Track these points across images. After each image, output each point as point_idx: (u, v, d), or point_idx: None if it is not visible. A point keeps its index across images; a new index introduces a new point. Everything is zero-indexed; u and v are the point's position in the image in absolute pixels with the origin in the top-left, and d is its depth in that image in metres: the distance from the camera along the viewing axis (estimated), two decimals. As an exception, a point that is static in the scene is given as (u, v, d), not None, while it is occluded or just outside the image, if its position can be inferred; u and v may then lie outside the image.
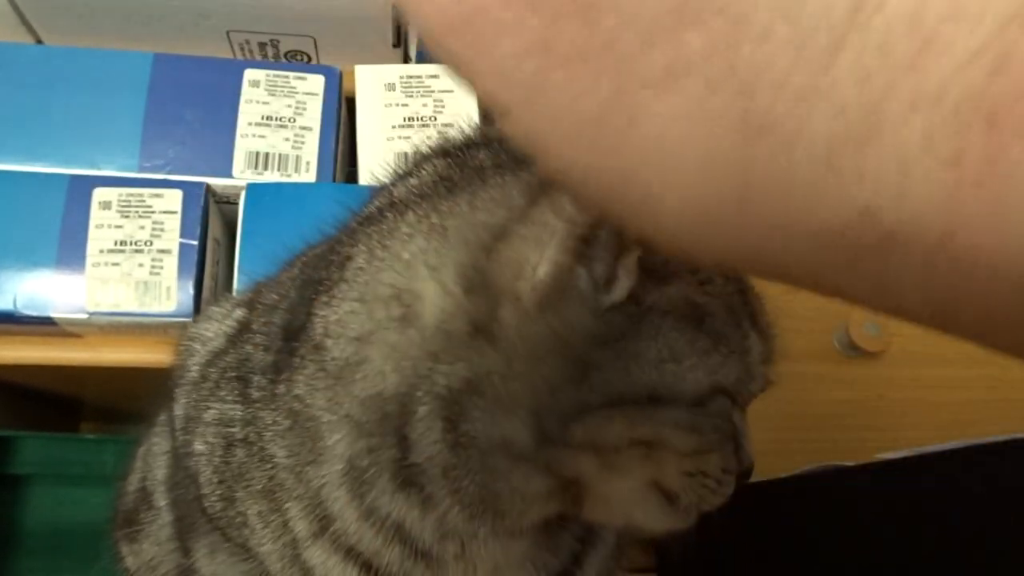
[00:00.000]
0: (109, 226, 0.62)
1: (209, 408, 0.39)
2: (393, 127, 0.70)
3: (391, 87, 0.71)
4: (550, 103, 0.16)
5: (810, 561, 0.59)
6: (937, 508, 0.48)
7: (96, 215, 0.62)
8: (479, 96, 0.17)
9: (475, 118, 0.63)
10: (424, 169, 0.35)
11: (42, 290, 0.60)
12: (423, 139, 0.38)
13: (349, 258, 0.34)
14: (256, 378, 0.37)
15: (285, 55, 0.75)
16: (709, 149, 0.15)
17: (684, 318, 0.29)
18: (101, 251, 0.61)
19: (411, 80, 0.71)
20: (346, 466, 0.33)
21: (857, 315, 0.86)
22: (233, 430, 0.37)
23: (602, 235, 0.27)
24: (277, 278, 0.44)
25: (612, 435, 0.29)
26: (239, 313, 0.44)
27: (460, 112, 0.68)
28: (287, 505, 0.36)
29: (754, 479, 0.65)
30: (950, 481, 0.48)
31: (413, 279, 0.31)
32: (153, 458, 0.49)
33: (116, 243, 0.61)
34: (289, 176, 0.67)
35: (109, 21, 0.70)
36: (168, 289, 0.61)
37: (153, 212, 0.62)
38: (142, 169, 0.65)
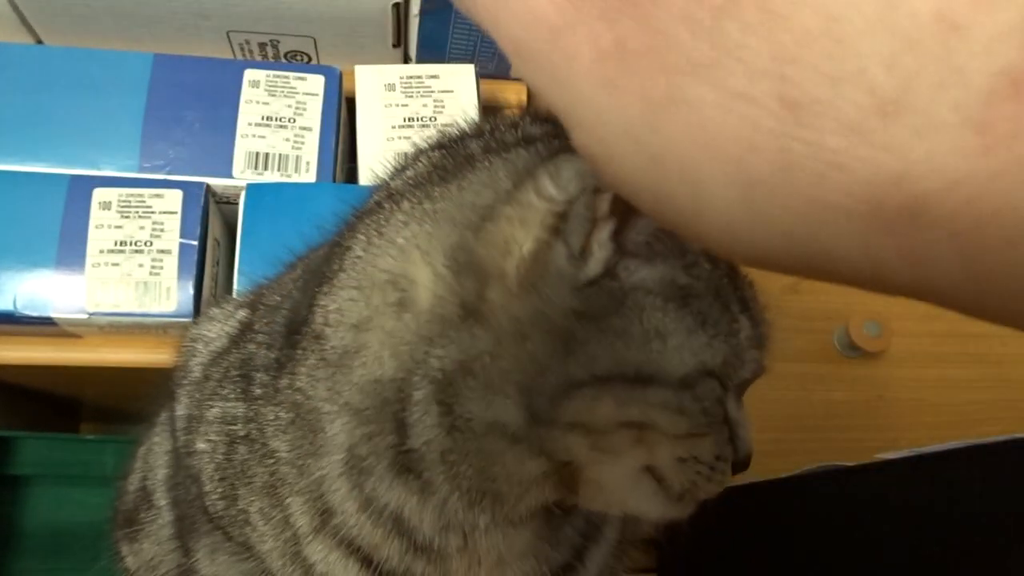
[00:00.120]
0: (109, 226, 0.62)
1: (212, 407, 0.39)
2: (393, 127, 0.70)
3: (391, 87, 0.71)
4: (614, 106, 0.18)
5: (810, 561, 0.59)
6: (937, 508, 0.48)
7: (96, 215, 0.62)
8: (553, 110, 0.19)
9: (474, 117, 0.63)
10: (420, 161, 0.36)
11: (42, 290, 0.60)
12: (423, 139, 0.38)
13: (348, 248, 0.34)
14: (259, 375, 0.37)
15: (285, 55, 0.75)
16: (751, 132, 0.16)
17: (668, 298, 0.29)
18: (101, 251, 0.61)
19: (411, 80, 0.72)
20: (346, 456, 0.34)
21: (857, 315, 0.86)
22: (235, 428, 0.38)
23: (577, 210, 0.27)
24: (279, 280, 0.45)
25: (600, 415, 0.30)
26: (242, 314, 0.44)
27: (460, 112, 0.68)
28: (288, 500, 0.36)
29: (754, 479, 0.65)
30: (950, 481, 0.48)
31: (407, 264, 0.32)
32: (154, 457, 0.49)
33: (116, 243, 0.61)
34: (289, 176, 0.67)
35: (109, 21, 0.70)
36: (168, 289, 0.61)
37: (153, 212, 0.63)
38: (142, 169, 0.65)
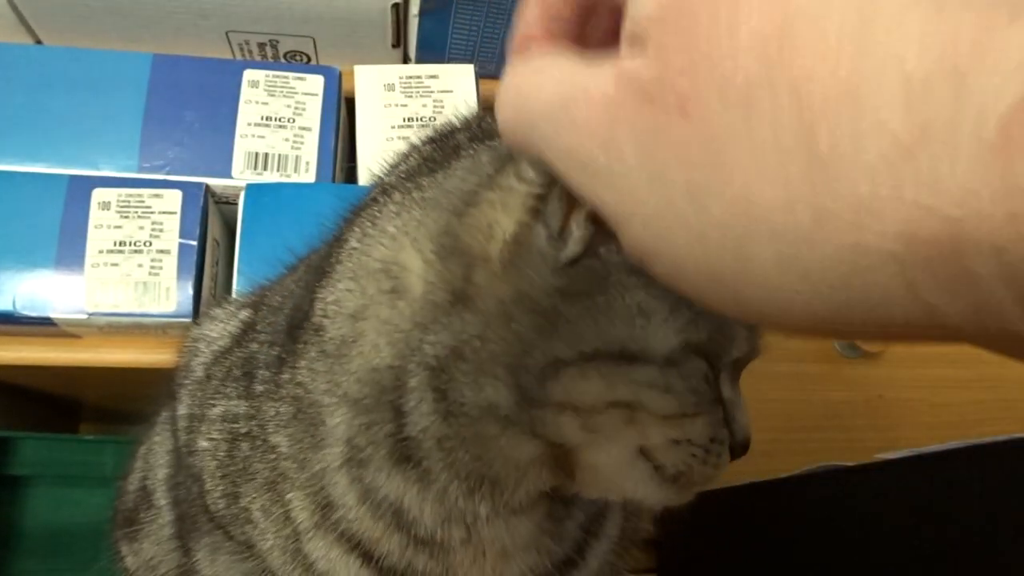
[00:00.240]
0: (108, 226, 0.62)
1: (214, 405, 0.40)
2: (392, 127, 0.70)
3: (390, 87, 0.71)
4: (660, 194, 0.20)
5: (810, 561, 0.59)
6: (937, 508, 0.48)
7: (95, 215, 0.62)
8: (601, 212, 0.21)
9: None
10: (412, 156, 0.37)
11: (41, 290, 0.60)
12: (418, 136, 0.39)
13: (345, 241, 0.35)
14: (261, 372, 0.38)
15: (284, 55, 0.75)
16: (786, 193, 0.18)
17: (648, 274, 0.29)
18: (100, 251, 0.61)
19: (410, 80, 0.72)
20: (345, 447, 0.34)
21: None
22: (237, 425, 0.38)
23: (555, 191, 0.28)
24: (282, 281, 0.45)
25: (588, 394, 0.30)
26: (244, 314, 0.45)
27: (459, 112, 0.68)
28: (289, 496, 0.36)
29: (754, 479, 0.65)
30: (950, 481, 0.48)
31: (398, 251, 0.32)
32: (154, 457, 0.49)
33: (115, 243, 0.61)
34: (288, 176, 0.67)
35: (108, 21, 0.70)
36: (167, 289, 0.61)
37: (152, 212, 0.62)
38: (141, 169, 0.65)
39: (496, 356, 0.30)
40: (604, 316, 0.29)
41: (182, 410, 0.43)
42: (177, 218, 0.63)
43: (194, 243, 0.62)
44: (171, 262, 0.62)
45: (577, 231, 0.28)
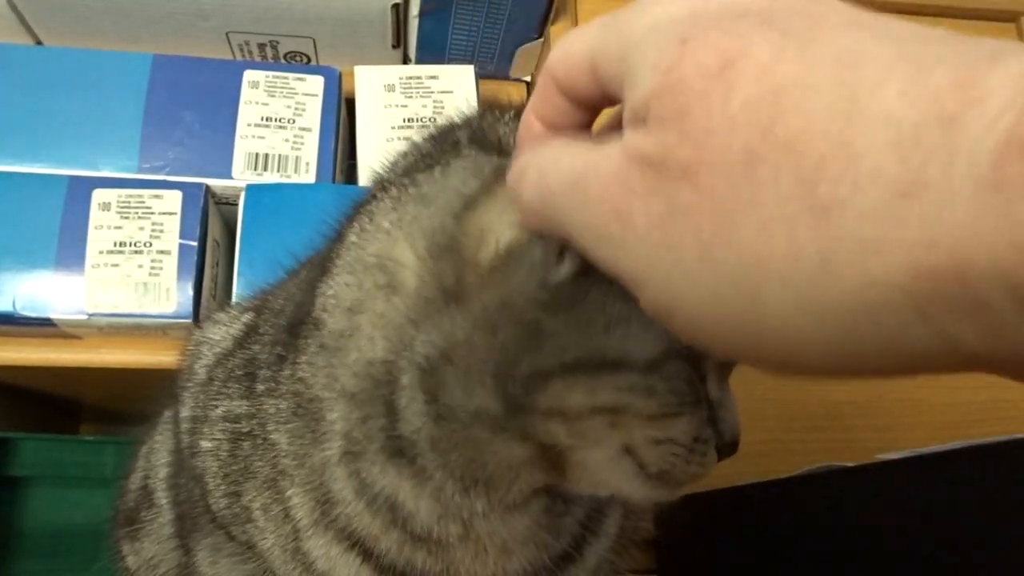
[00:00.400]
0: (108, 227, 0.62)
1: (216, 406, 0.40)
2: (393, 128, 0.70)
3: (391, 88, 0.71)
4: (671, 258, 0.21)
5: (810, 561, 0.59)
6: (937, 508, 0.48)
7: (95, 216, 0.62)
8: (618, 276, 0.23)
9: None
10: (411, 153, 0.37)
11: (41, 291, 0.60)
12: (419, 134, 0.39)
13: (344, 236, 0.35)
14: (262, 372, 0.38)
15: (284, 56, 0.75)
16: (791, 244, 0.19)
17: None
18: (100, 252, 0.61)
19: (411, 81, 0.72)
20: (343, 441, 0.34)
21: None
22: (239, 425, 0.38)
23: None
24: (284, 284, 0.45)
25: (573, 402, 0.30)
26: (247, 317, 0.45)
27: (460, 110, 0.68)
28: (289, 492, 0.36)
29: (754, 480, 0.65)
30: (950, 481, 0.48)
31: (393, 246, 0.33)
32: (156, 456, 0.49)
33: (115, 244, 0.61)
34: (289, 177, 0.67)
35: (108, 22, 0.70)
36: (167, 290, 0.61)
37: (152, 213, 0.63)
38: (141, 170, 0.65)
39: (483, 365, 0.30)
40: (585, 327, 0.29)
41: (185, 412, 0.43)
42: (177, 219, 0.63)
43: (194, 244, 0.62)
44: (171, 263, 0.62)
45: (571, 262, 0.29)
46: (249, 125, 0.67)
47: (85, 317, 0.60)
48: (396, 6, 0.70)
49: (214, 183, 0.65)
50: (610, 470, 0.33)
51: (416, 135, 0.39)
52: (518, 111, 0.36)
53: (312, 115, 0.69)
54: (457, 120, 0.38)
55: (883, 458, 0.53)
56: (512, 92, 0.80)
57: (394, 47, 0.75)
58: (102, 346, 0.64)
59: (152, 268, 0.61)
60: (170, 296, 0.61)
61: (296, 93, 0.69)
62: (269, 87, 0.69)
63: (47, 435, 0.76)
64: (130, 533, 0.51)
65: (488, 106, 0.38)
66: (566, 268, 0.29)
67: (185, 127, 0.67)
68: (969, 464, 0.47)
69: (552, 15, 0.76)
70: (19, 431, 0.74)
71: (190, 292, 0.61)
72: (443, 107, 0.70)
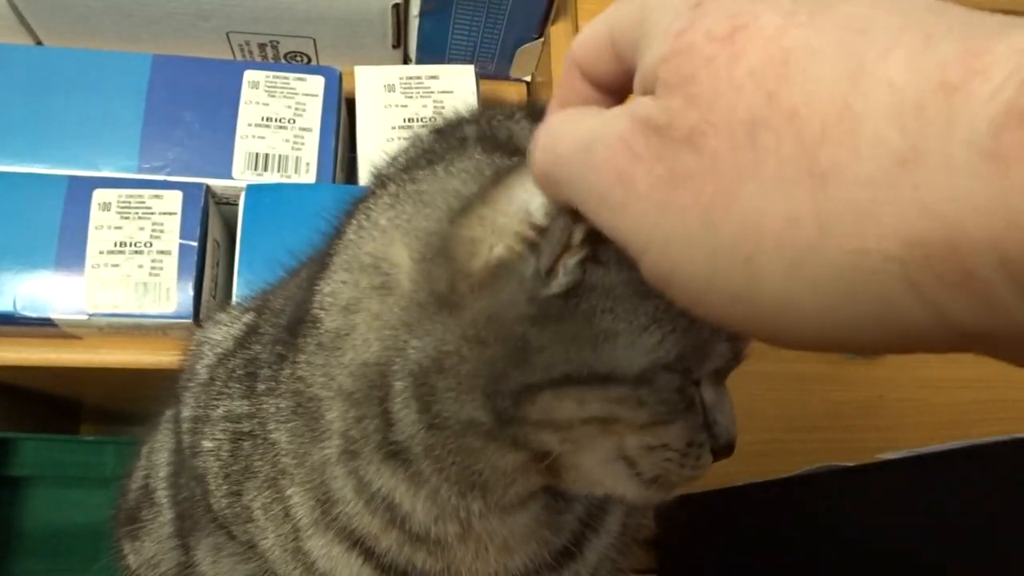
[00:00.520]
0: (109, 227, 0.62)
1: (217, 406, 0.40)
2: (393, 128, 0.70)
3: (391, 88, 0.71)
4: (671, 221, 0.21)
5: (811, 561, 0.59)
6: (937, 508, 0.48)
7: (96, 216, 0.62)
8: (619, 240, 0.23)
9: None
10: (413, 147, 0.37)
11: (41, 291, 0.60)
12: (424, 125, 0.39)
13: (343, 233, 0.35)
14: (263, 371, 0.38)
15: (285, 56, 0.75)
16: (789, 207, 0.19)
17: (619, 299, 0.29)
18: (101, 252, 0.61)
19: (411, 81, 0.72)
20: (341, 440, 0.34)
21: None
22: (240, 425, 0.38)
23: (553, 229, 0.28)
24: (284, 284, 0.45)
25: (563, 414, 0.30)
26: (248, 318, 0.45)
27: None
28: (289, 492, 0.36)
29: (755, 480, 0.65)
30: (950, 481, 0.48)
31: (389, 246, 0.32)
32: (157, 456, 0.49)
33: (116, 244, 0.61)
34: (289, 177, 0.67)
35: (108, 22, 0.70)
36: (168, 290, 0.61)
37: (153, 213, 0.63)
38: (142, 170, 0.65)
39: (472, 378, 0.30)
40: (573, 342, 0.29)
41: (186, 412, 0.43)
42: (177, 219, 0.63)
43: (194, 244, 0.62)
44: (171, 263, 0.62)
45: (563, 277, 0.28)
46: (249, 125, 0.67)
47: (85, 317, 0.60)
48: (396, 6, 0.70)
49: (214, 183, 0.65)
50: (604, 473, 0.33)
51: (420, 128, 0.39)
52: (530, 109, 0.35)
53: (312, 115, 0.69)
54: (466, 115, 0.37)
55: (883, 458, 0.53)
56: (512, 92, 0.80)
57: (394, 47, 0.75)
58: (102, 346, 0.64)
59: (152, 268, 0.61)
60: (170, 296, 0.61)
61: (296, 93, 0.69)
62: (269, 87, 0.69)
63: (47, 435, 0.76)
64: (131, 532, 0.51)
65: (498, 103, 0.37)
66: (555, 286, 0.28)
67: (185, 127, 0.67)
68: (969, 464, 0.47)
69: (552, 15, 0.76)
70: (19, 431, 0.74)
71: (190, 292, 0.61)
72: (443, 107, 0.70)
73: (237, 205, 0.65)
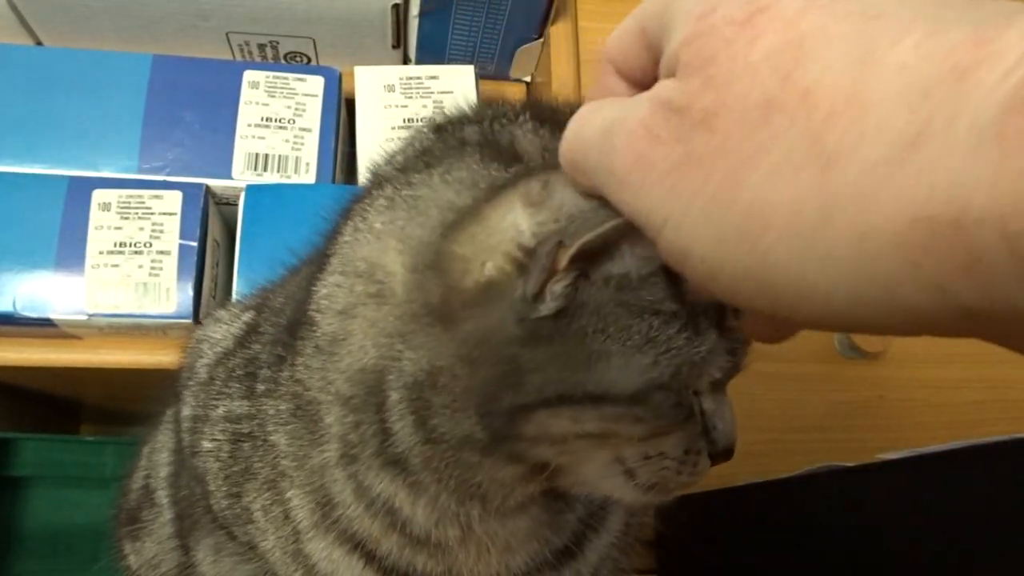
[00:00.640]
0: (108, 227, 0.62)
1: (217, 406, 0.40)
2: (393, 128, 0.70)
3: (391, 88, 0.71)
4: (685, 202, 0.21)
5: (811, 562, 0.59)
6: (937, 508, 0.48)
7: (95, 216, 0.62)
8: (638, 221, 0.23)
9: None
10: (411, 146, 0.36)
11: (41, 291, 0.60)
12: (423, 121, 0.38)
13: (339, 234, 0.35)
14: (263, 372, 0.38)
15: (285, 56, 0.75)
16: (796, 190, 0.19)
17: (611, 321, 0.29)
18: (100, 252, 0.61)
19: (411, 81, 0.72)
20: (340, 444, 0.34)
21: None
22: (239, 426, 0.38)
23: (539, 253, 0.27)
24: (284, 283, 0.45)
25: (559, 430, 0.30)
26: (248, 316, 0.45)
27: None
28: (288, 494, 0.36)
29: (755, 480, 0.65)
30: (950, 481, 0.48)
31: (383, 254, 0.32)
32: (158, 456, 0.49)
33: (115, 244, 0.61)
34: (289, 177, 0.67)
35: (108, 23, 0.70)
36: (167, 290, 0.61)
37: (152, 213, 0.63)
38: (141, 170, 0.65)
39: (465, 397, 0.30)
40: (565, 363, 0.29)
41: (186, 411, 0.43)
42: (177, 219, 0.63)
43: (194, 244, 0.62)
44: (171, 263, 0.62)
45: (551, 301, 0.28)
46: (249, 125, 0.67)
47: (85, 317, 0.60)
48: (396, 6, 0.70)
49: (214, 183, 0.65)
50: (602, 480, 0.33)
51: (421, 124, 0.38)
52: (536, 110, 0.35)
53: (312, 115, 0.69)
54: (469, 113, 0.36)
55: (883, 458, 0.53)
56: (512, 92, 0.80)
57: (394, 47, 0.75)
58: (102, 346, 0.64)
59: (152, 268, 0.61)
60: (170, 296, 0.61)
61: (296, 93, 0.69)
62: (269, 87, 0.69)
63: (47, 435, 0.76)
64: (132, 532, 0.51)
65: (503, 102, 0.37)
66: (543, 310, 0.28)
67: (185, 127, 0.67)
68: (969, 464, 0.47)
69: (552, 15, 0.76)
70: (19, 431, 0.74)
71: (190, 292, 0.61)
72: (443, 107, 0.70)
73: (237, 205, 0.65)
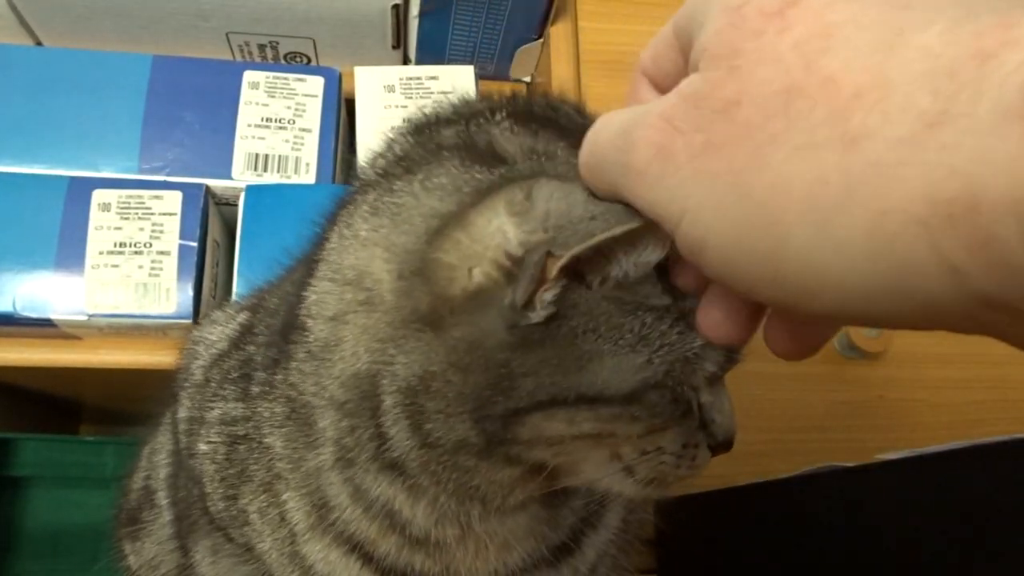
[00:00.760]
0: (108, 228, 0.62)
1: (212, 408, 0.40)
2: (393, 128, 0.70)
3: (390, 88, 0.71)
4: (706, 187, 0.22)
5: (810, 562, 0.59)
6: (937, 508, 0.48)
7: (95, 217, 0.62)
8: (655, 214, 0.24)
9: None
10: (390, 151, 0.36)
11: (41, 292, 0.60)
12: (400, 122, 0.38)
13: (326, 239, 0.35)
14: (258, 374, 0.38)
15: (285, 57, 0.75)
16: (819, 169, 0.19)
17: (602, 321, 0.29)
18: (100, 253, 0.61)
19: (411, 81, 0.72)
20: (335, 448, 0.34)
21: (857, 315, 0.85)
22: (235, 428, 0.38)
23: (528, 263, 0.27)
24: (279, 284, 0.45)
25: (555, 432, 0.30)
26: (243, 317, 0.45)
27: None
28: (284, 496, 0.36)
29: (755, 480, 0.65)
30: (950, 481, 0.48)
31: (370, 261, 0.32)
32: (157, 457, 0.49)
33: (115, 245, 0.61)
34: (289, 177, 0.67)
35: (108, 23, 0.70)
36: (167, 291, 0.61)
37: (152, 214, 0.63)
38: (141, 171, 0.65)
39: (459, 403, 0.30)
40: (557, 366, 0.29)
41: (182, 413, 0.43)
42: (177, 219, 0.63)
43: (194, 244, 0.62)
44: (171, 263, 0.62)
45: (541, 310, 0.28)
46: (249, 126, 0.67)
47: (85, 318, 0.60)
48: (396, 7, 0.70)
49: (214, 184, 0.65)
50: (601, 474, 0.33)
51: (400, 125, 0.37)
52: (512, 108, 0.35)
53: (312, 116, 0.69)
54: (446, 113, 0.36)
55: (883, 458, 0.53)
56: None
57: (394, 47, 0.75)
58: (102, 346, 0.64)
59: (152, 269, 0.61)
60: (170, 297, 0.61)
61: (296, 94, 0.69)
62: (269, 88, 0.69)
63: (47, 435, 0.76)
64: (132, 533, 0.51)
65: (480, 102, 0.36)
66: (535, 316, 0.28)
67: (185, 128, 0.67)
68: (969, 464, 0.47)
69: (552, 15, 0.76)
70: (19, 431, 0.74)
71: (190, 293, 0.61)
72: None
73: (237, 205, 0.65)
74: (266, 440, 0.36)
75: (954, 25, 0.18)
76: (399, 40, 0.75)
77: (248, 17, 0.70)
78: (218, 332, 0.45)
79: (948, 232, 0.17)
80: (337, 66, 0.72)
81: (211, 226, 0.65)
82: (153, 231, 0.62)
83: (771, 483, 0.63)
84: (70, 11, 0.69)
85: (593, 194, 0.27)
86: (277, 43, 0.74)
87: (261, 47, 0.74)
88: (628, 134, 0.24)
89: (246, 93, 0.68)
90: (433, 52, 0.76)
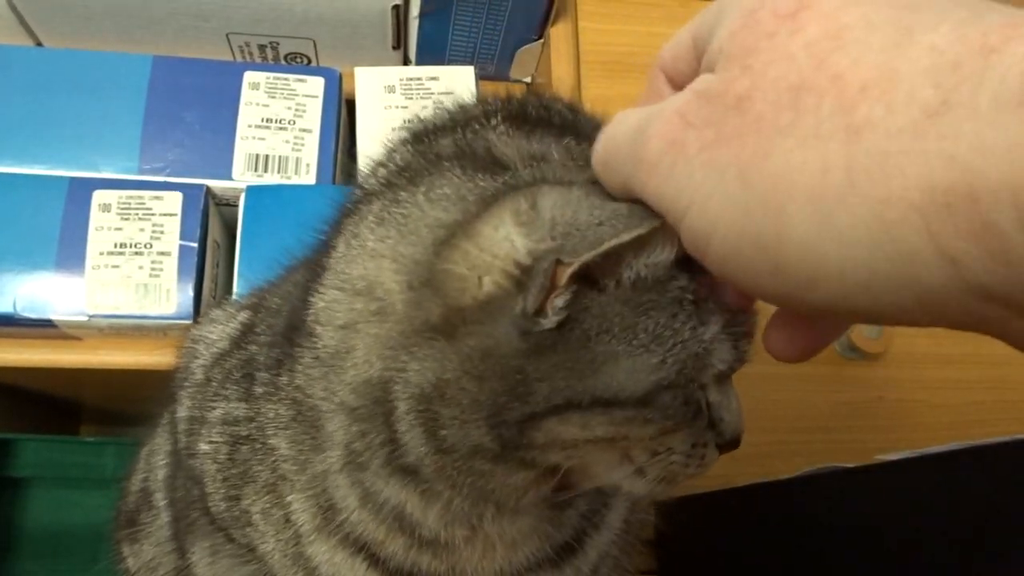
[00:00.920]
0: (109, 228, 0.62)
1: (214, 408, 0.40)
2: (393, 129, 0.69)
3: (391, 89, 0.71)
4: (714, 178, 0.22)
5: (811, 562, 0.59)
6: (937, 508, 0.48)
7: (96, 217, 0.62)
8: (663, 207, 0.24)
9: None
10: (391, 161, 0.36)
11: (42, 292, 0.60)
12: (398, 130, 0.38)
13: (333, 247, 0.35)
14: (260, 374, 0.38)
15: (285, 57, 0.76)
16: (822, 158, 0.20)
17: (614, 323, 0.29)
18: (101, 253, 0.61)
19: (411, 82, 0.72)
20: (344, 451, 0.34)
21: (857, 316, 0.85)
22: (238, 428, 0.38)
23: (537, 270, 0.27)
24: (280, 283, 0.45)
25: (569, 435, 0.30)
26: (244, 316, 0.44)
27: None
28: (289, 498, 0.36)
29: (755, 480, 0.65)
30: (950, 481, 0.48)
31: (379, 272, 0.32)
32: (155, 458, 0.49)
33: (116, 245, 0.61)
34: (289, 178, 0.67)
35: (108, 23, 0.70)
36: (168, 291, 0.61)
37: (153, 214, 0.63)
38: (142, 171, 0.65)
39: (474, 410, 0.30)
40: (572, 370, 0.29)
41: (182, 412, 0.43)
42: (177, 220, 0.63)
43: (194, 245, 0.62)
44: (171, 264, 0.62)
45: (553, 316, 0.28)
46: (249, 126, 0.67)
47: (85, 318, 0.60)
48: (396, 7, 0.70)
49: (214, 184, 0.65)
50: (611, 473, 0.33)
51: (399, 133, 0.37)
52: (508, 111, 0.35)
53: (312, 116, 0.69)
54: (441, 121, 0.36)
55: (883, 458, 0.53)
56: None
57: (394, 48, 0.75)
58: (102, 347, 0.64)
59: (152, 269, 0.61)
60: (170, 297, 0.61)
61: (296, 94, 0.69)
62: (269, 88, 0.69)
63: (47, 436, 0.77)
64: (130, 535, 0.51)
65: (475, 107, 0.36)
66: (546, 324, 0.28)
67: (185, 128, 0.67)
68: (969, 464, 0.47)
69: (552, 16, 0.76)
70: (19, 432, 0.74)
71: (190, 293, 0.61)
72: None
73: (237, 206, 0.65)
74: (270, 441, 0.36)
75: (961, 25, 0.19)
76: (399, 41, 0.75)
77: (248, 18, 0.70)
78: (219, 331, 0.45)
79: (946, 221, 0.18)
80: (337, 67, 0.72)
81: (211, 227, 0.65)
82: (153, 232, 0.62)
83: (771, 484, 0.63)
84: (70, 11, 0.69)
85: (604, 191, 0.28)
86: (277, 44, 0.74)
87: (261, 48, 0.74)
88: (642, 130, 0.24)
89: (246, 94, 0.68)
90: (433, 53, 0.76)
